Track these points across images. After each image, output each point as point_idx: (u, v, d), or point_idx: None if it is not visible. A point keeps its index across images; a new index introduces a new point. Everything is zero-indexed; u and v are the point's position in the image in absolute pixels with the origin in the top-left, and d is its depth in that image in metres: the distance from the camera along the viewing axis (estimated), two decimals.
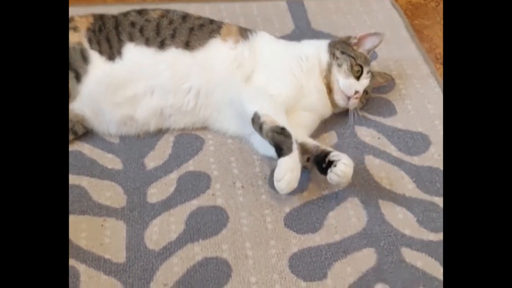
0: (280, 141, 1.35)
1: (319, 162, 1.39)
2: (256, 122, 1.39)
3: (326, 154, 1.39)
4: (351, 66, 1.54)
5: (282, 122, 1.38)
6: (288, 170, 1.34)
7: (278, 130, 1.36)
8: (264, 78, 1.50)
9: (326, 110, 1.59)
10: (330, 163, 1.36)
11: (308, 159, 1.42)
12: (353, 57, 1.55)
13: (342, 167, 1.34)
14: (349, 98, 1.54)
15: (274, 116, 1.39)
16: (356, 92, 1.53)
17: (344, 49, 1.58)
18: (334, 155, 1.37)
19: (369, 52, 1.63)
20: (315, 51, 1.59)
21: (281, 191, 1.35)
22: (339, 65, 1.54)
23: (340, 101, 1.55)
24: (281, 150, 1.35)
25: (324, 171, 1.38)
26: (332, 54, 1.57)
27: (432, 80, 1.76)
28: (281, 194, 1.39)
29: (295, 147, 1.35)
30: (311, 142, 1.45)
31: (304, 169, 1.42)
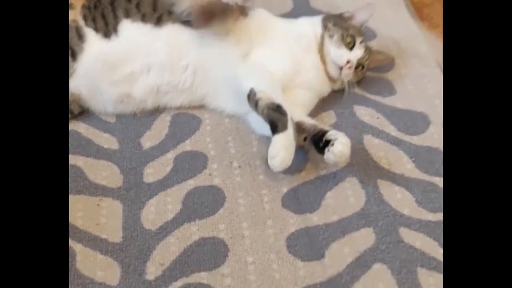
0: (275, 118, 1.34)
1: (316, 142, 1.38)
2: (252, 98, 1.37)
3: (323, 133, 1.37)
4: (342, 36, 1.52)
5: (278, 99, 1.36)
6: (282, 147, 1.32)
7: (274, 107, 1.35)
8: (262, 55, 1.48)
9: (324, 87, 1.57)
10: (327, 143, 1.34)
11: (305, 139, 1.41)
12: (345, 28, 1.54)
13: (339, 147, 1.33)
14: (341, 68, 1.52)
15: (271, 93, 1.37)
16: (348, 61, 1.51)
17: (336, 21, 1.57)
18: (331, 134, 1.36)
19: (363, 25, 1.61)
20: (311, 26, 1.58)
21: (275, 168, 1.34)
22: (331, 36, 1.53)
23: (333, 72, 1.53)
24: (276, 127, 1.33)
25: (321, 151, 1.36)
26: (325, 27, 1.56)
27: (431, 59, 1.74)
28: (278, 174, 1.38)
29: (290, 124, 1.34)
30: (309, 121, 1.44)
31: (301, 148, 1.41)
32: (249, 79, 1.41)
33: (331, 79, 1.56)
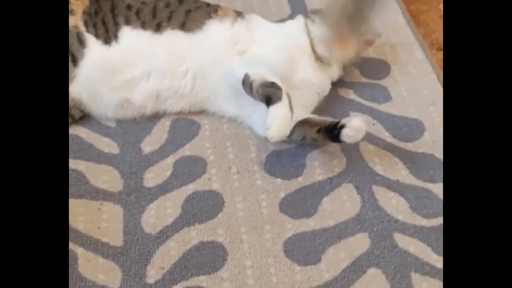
0: (270, 92, 1.33)
1: (330, 131, 1.38)
2: (246, 82, 1.38)
3: (336, 122, 1.37)
4: (323, 17, 1.56)
5: (272, 78, 1.36)
6: (278, 116, 1.31)
7: (268, 84, 1.35)
8: (258, 53, 1.51)
9: (324, 83, 1.59)
10: (342, 126, 1.35)
11: (318, 131, 1.41)
12: (326, 13, 1.57)
13: (357, 121, 1.34)
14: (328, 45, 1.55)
15: (265, 75, 1.37)
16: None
17: (318, 11, 1.61)
18: (345, 119, 1.36)
19: None
20: (301, 23, 1.61)
21: (271, 139, 1.32)
22: (313, 21, 1.57)
23: (321, 50, 1.55)
24: (270, 100, 1.32)
25: (336, 138, 1.37)
26: (308, 17, 1.60)
27: (427, 66, 1.76)
28: (275, 179, 1.41)
29: (285, 96, 1.33)
30: (318, 117, 1.46)
31: (314, 143, 1.44)
32: (243, 67, 1.42)
33: (328, 72, 1.58)
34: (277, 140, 1.34)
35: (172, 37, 1.50)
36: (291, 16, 1.91)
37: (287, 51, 1.54)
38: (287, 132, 1.34)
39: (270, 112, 1.32)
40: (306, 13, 1.81)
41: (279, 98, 1.33)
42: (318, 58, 1.57)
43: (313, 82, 1.56)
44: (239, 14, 1.58)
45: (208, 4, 1.58)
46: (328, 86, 1.60)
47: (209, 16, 1.53)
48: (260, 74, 1.38)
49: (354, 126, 1.35)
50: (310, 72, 1.55)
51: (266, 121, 1.32)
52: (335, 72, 1.61)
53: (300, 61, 1.54)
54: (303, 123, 1.43)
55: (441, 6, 2.03)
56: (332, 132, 1.38)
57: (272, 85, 1.35)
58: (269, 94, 1.33)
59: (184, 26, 1.51)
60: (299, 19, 1.63)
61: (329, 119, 1.43)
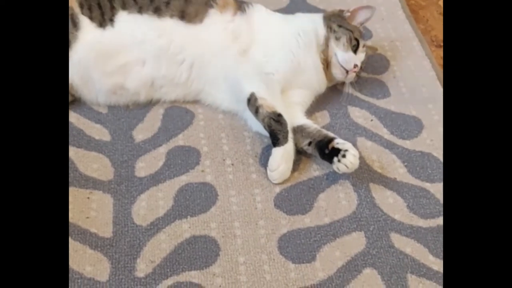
0: (277, 129, 1.34)
1: (321, 148, 1.38)
2: (253, 104, 1.37)
3: (329, 140, 1.37)
4: (350, 40, 1.51)
5: (279, 107, 1.36)
6: (283, 161, 1.34)
7: (275, 117, 1.35)
8: (261, 54, 1.47)
9: (321, 86, 1.56)
10: (336, 152, 1.34)
11: (309, 143, 1.41)
12: (350, 31, 1.53)
13: (352, 159, 1.33)
14: (347, 72, 1.51)
15: (271, 101, 1.37)
16: (355, 66, 1.51)
17: (341, 22, 1.55)
18: (339, 143, 1.36)
19: (360, 25, 1.60)
20: (312, 25, 1.56)
21: (274, 181, 1.36)
22: (337, 39, 1.52)
23: (339, 75, 1.53)
24: (277, 139, 1.34)
25: (326, 157, 1.37)
26: (329, 28, 1.54)
27: (426, 62, 1.74)
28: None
29: (290, 136, 1.35)
30: (312, 126, 1.44)
31: (302, 152, 1.42)
32: (250, 82, 1.40)
33: (328, 77, 1.55)
34: (280, 182, 1.36)
35: (170, 24, 1.45)
36: (290, 6, 1.88)
37: (292, 53, 1.50)
38: (289, 174, 1.36)
39: (276, 155, 1.34)
40: (308, 5, 1.79)
41: (285, 140, 1.34)
42: (325, 73, 1.54)
43: (312, 83, 1.53)
44: (240, 5, 1.53)
45: None
46: (324, 87, 1.57)
47: (208, 5, 1.48)
48: (267, 100, 1.37)
49: (348, 162, 1.33)
50: (311, 75, 1.52)
51: (270, 162, 1.35)
52: (333, 82, 1.58)
53: (304, 63, 1.51)
54: (295, 132, 1.41)
55: (441, 2, 2.00)
56: (323, 151, 1.37)
57: (279, 119, 1.35)
58: (276, 133, 1.34)
59: (184, 17, 1.46)
60: (319, 23, 1.55)
61: (322, 132, 1.41)
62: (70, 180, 1.33)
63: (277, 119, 1.35)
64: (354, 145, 1.45)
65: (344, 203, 1.35)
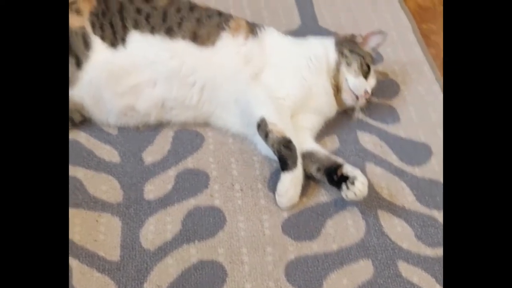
0: (286, 155, 1.34)
1: (330, 174, 1.38)
2: (263, 129, 1.37)
3: (337, 166, 1.37)
4: (361, 65, 1.52)
5: (288, 132, 1.36)
6: (292, 186, 1.34)
7: (285, 143, 1.35)
8: (273, 79, 1.47)
9: (331, 111, 1.56)
10: (345, 178, 1.34)
11: (318, 169, 1.41)
12: (362, 56, 1.53)
13: (360, 187, 1.33)
14: (358, 97, 1.52)
15: (281, 126, 1.37)
16: (366, 92, 1.51)
17: (352, 47, 1.55)
18: (348, 170, 1.36)
19: (372, 51, 1.61)
20: (323, 50, 1.56)
21: (282, 205, 1.36)
22: (349, 64, 1.52)
23: (349, 100, 1.53)
24: (286, 165, 1.34)
25: (335, 184, 1.37)
26: (341, 53, 1.54)
27: (436, 87, 1.74)
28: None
29: (299, 162, 1.35)
30: (321, 152, 1.44)
31: (311, 177, 1.42)
32: (260, 107, 1.40)
33: (338, 102, 1.55)
34: (288, 208, 1.36)
35: (182, 46, 1.46)
36: (301, 28, 1.89)
37: (304, 78, 1.50)
38: (298, 199, 1.37)
39: (284, 180, 1.34)
40: (319, 28, 1.79)
41: (294, 165, 1.34)
42: (335, 98, 1.54)
43: (322, 108, 1.53)
44: (252, 29, 1.53)
45: (219, 13, 1.54)
46: (334, 112, 1.57)
47: (221, 28, 1.49)
48: (277, 125, 1.37)
49: (357, 190, 1.33)
50: (321, 100, 1.52)
51: (278, 187, 1.35)
52: (343, 107, 1.58)
53: (314, 88, 1.51)
54: (304, 157, 1.40)
55: None
56: (332, 178, 1.37)
57: (289, 144, 1.35)
58: (285, 159, 1.34)
59: (196, 39, 1.46)
60: (330, 47, 1.56)
61: (331, 159, 1.41)
62: (78, 201, 1.33)
63: (286, 145, 1.35)
64: (363, 171, 1.45)
65: (352, 230, 1.35)
